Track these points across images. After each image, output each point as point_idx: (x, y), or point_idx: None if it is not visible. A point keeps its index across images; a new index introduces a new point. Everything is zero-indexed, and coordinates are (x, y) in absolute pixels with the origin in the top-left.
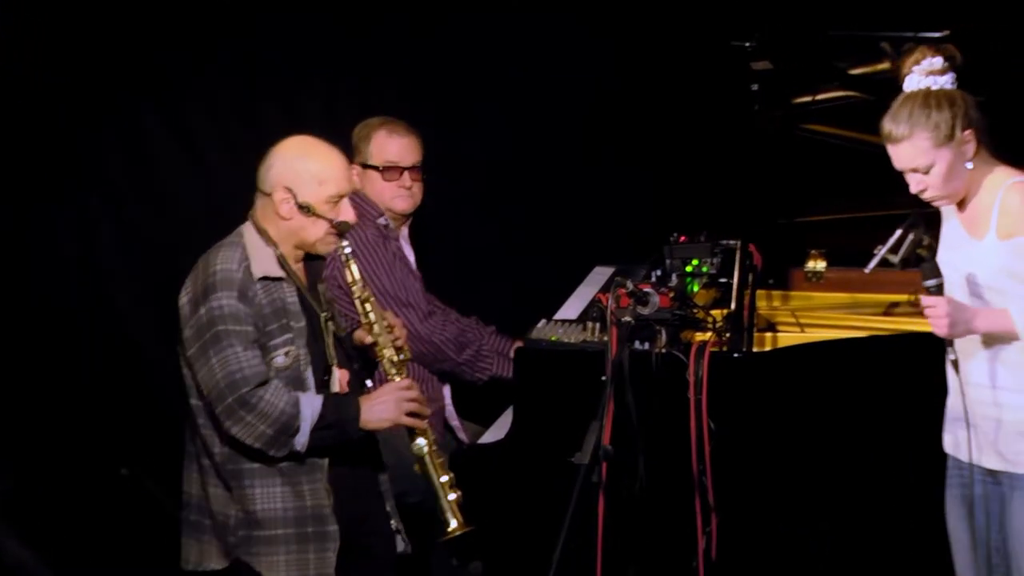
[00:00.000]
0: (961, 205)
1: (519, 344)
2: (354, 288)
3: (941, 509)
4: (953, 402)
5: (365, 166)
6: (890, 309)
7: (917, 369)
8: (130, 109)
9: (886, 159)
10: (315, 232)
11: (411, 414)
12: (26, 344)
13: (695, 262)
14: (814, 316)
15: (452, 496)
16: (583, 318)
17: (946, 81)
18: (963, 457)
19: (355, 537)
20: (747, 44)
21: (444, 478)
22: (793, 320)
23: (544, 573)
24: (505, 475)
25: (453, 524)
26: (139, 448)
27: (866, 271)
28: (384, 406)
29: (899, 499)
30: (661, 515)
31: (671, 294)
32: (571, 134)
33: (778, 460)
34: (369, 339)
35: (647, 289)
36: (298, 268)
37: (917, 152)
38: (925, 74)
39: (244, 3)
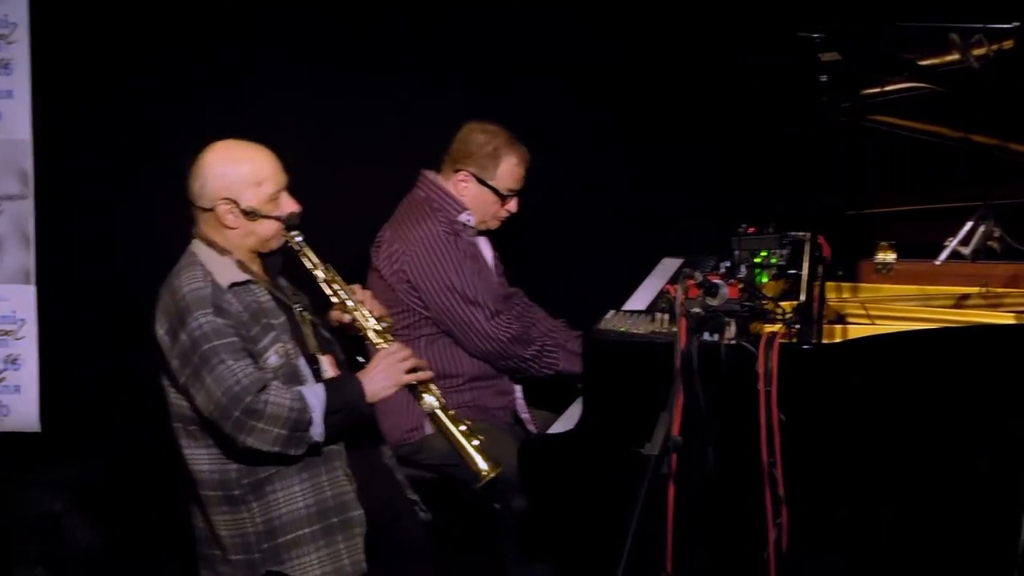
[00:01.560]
0: None
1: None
2: (316, 273)
3: (1013, 504)
4: None
5: (483, 182)
6: (960, 301)
7: (988, 362)
8: (197, 89)
9: (955, 151)
10: (265, 232)
11: (410, 372)
12: (111, 337)
13: (764, 253)
14: (884, 308)
15: (475, 442)
16: (651, 309)
17: None
18: None
19: (383, 517)
20: (815, 35)
21: (462, 427)
22: (863, 312)
23: (614, 564)
24: (574, 466)
25: (484, 468)
26: None
27: (937, 263)
28: (383, 374)
29: (969, 493)
30: (731, 506)
31: (740, 285)
32: (640, 125)
33: (847, 452)
34: (347, 317)
35: (716, 280)
36: (257, 268)
37: None
38: None
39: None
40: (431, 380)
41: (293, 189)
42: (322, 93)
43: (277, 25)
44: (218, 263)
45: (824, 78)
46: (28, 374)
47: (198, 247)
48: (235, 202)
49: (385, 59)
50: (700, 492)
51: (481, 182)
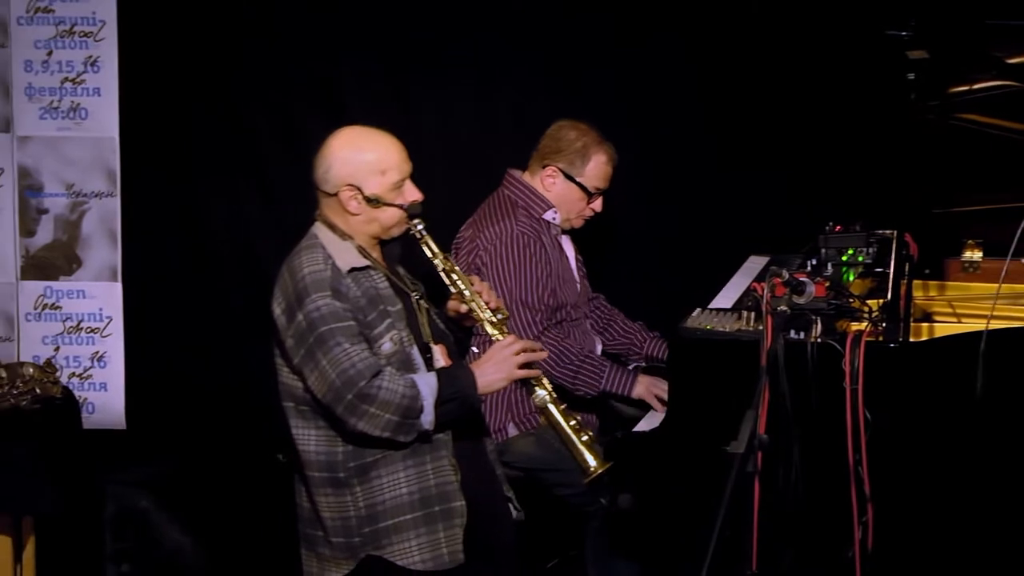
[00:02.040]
0: None
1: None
2: (436, 262)
3: None
4: None
5: (571, 178)
6: None
7: None
8: (282, 87)
9: None
10: (387, 219)
11: (523, 367)
12: (196, 335)
13: (850, 251)
14: (971, 306)
15: (584, 438)
16: (738, 307)
17: None
18: None
19: (479, 510)
20: (903, 33)
21: (572, 422)
22: (950, 310)
23: (698, 563)
24: (660, 463)
25: (592, 464)
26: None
27: None
28: (495, 366)
29: None
30: (816, 505)
31: (827, 283)
32: (727, 122)
33: (934, 451)
34: (464, 307)
35: (803, 278)
36: (377, 255)
37: None
38: None
39: None
40: (543, 374)
41: None
42: (406, 92)
43: (362, 23)
44: (339, 247)
45: (912, 76)
46: (114, 372)
47: (320, 230)
48: (359, 189)
49: (470, 59)
50: (785, 491)
51: (569, 178)
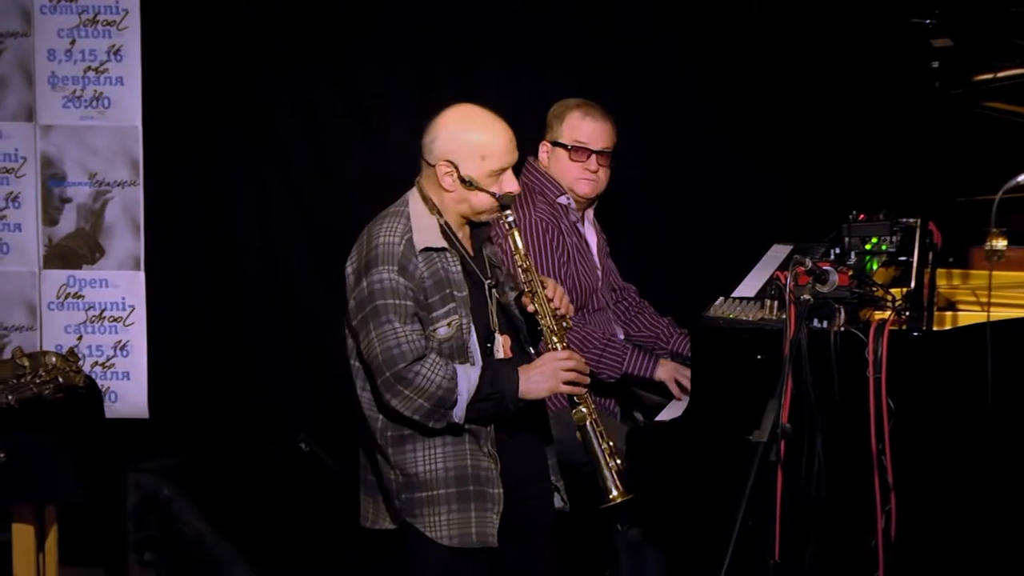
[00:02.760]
0: None
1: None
2: (516, 257)
3: None
4: None
5: (555, 144)
6: None
7: None
8: (305, 78)
9: None
10: (478, 204)
11: (569, 383)
12: (218, 324)
13: (874, 240)
14: (995, 295)
15: (613, 464)
16: (761, 296)
17: None
18: None
19: (517, 501)
20: (928, 21)
21: (604, 446)
22: (973, 299)
23: (721, 552)
24: (682, 453)
25: (614, 492)
26: (320, 421)
27: None
28: (541, 376)
29: None
30: (839, 494)
31: (850, 272)
32: (751, 110)
33: (957, 440)
34: (531, 307)
35: (826, 267)
36: (463, 235)
37: None
38: None
39: None
40: (587, 393)
41: (399, 179)
42: (430, 81)
43: (385, 11)
44: (424, 221)
45: (936, 64)
46: (137, 361)
47: (413, 197)
48: (456, 167)
49: (496, 47)
50: (808, 480)
51: (554, 145)
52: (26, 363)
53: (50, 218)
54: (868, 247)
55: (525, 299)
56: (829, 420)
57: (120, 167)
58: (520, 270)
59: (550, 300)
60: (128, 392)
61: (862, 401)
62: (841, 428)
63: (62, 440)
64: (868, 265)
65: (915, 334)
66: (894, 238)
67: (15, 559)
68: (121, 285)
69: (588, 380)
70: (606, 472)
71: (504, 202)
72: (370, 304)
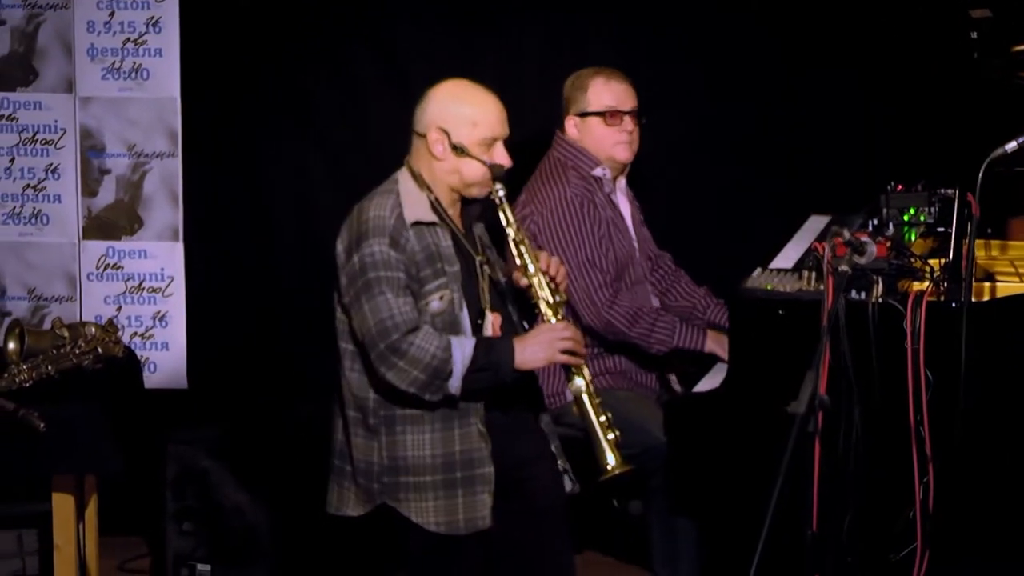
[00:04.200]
0: None
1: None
2: (508, 230)
3: None
4: None
5: (583, 115)
6: None
7: None
8: (343, 46)
9: None
10: (469, 174)
11: (566, 353)
12: (257, 295)
13: (912, 211)
14: None
15: (611, 436)
16: (799, 267)
17: None
18: None
19: (514, 480)
20: None
21: (602, 418)
22: (1011, 270)
23: (758, 523)
24: (719, 424)
25: (612, 463)
26: None
27: None
28: (538, 346)
29: None
30: (877, 465)
31: (888, 243)
32: (786, 81)
33: (995, 412)
34: (524, 281)
35: (864, 238)
36: (454, 212)
37: None
38: None
39: None
40: (584, 364)
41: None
42: (470, 46)
43: None
44: (413, 197)
45: (974, 35)
46: (176, 331)
47: (403, 176)
48: (447, 134)
49: (534, 11)
50: (846, 451)
51: (582, 115)
52: (66, 334)
53: (89, 189)
54: (906, 218)
55: (517, 274)
56: (867, 391)
57: (159, 138)
58: (514, 244)
59: (545, 272)
60: (167, 363)
61: (900, 372)
62: (879, 399)
63: (101, 410)
64: (906, 236)
65: (953, 305)
66: (932, 209)
67: (55, 528)
68: (160, 256)
69: (584, 351)
70: (604, 444)
71: (496, 173)
72: (362, 277)
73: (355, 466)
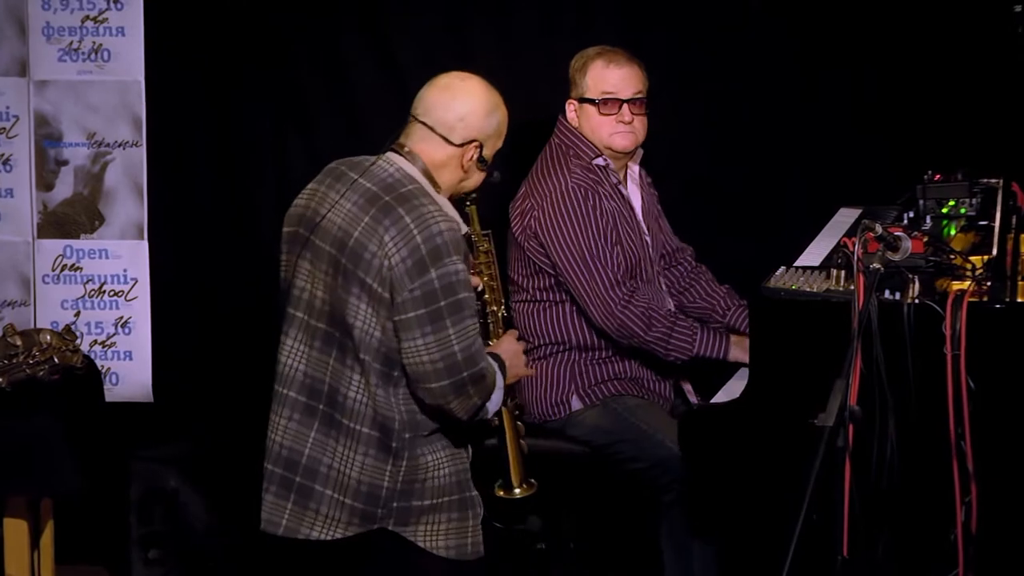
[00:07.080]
0: None
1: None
2: (473, 237)
3: None
4: None
5: (582, 100)
6: None
7: None
8: (327, 24)
9: None
10: (472, 184)
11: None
12: (228, 299)
13: (951, 203)
14: None
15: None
16: (826, 265)
17: None
18: None
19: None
20: None
21: (521, 440)
22: None
23: (782, 546)
24: (740, 438)
25: (519, 489)
26: None
27: None
28: (520, 360)
29: None
30: (914, 483)
31: (925, 238)
32: (814, 65)
33: None
34: (480, 286)
35: (898, 233)
36: None
37: None
38: None
39: None
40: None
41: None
42: (460, 24)
43: None
44: (448, 207)
45: (1019, 8)
46: (140, 339)
47: (418, 175)
48: (480, 147)
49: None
50: (880, 468)
51: (581, 102)
52: (19, 342)
53: (45, 182)
54: (945, 210)
55: (475, 278)
56: (902, 402)
57: (121, 126)
58: (479, 250)
59: (496, 288)
60: (130, 373)
61: (939, 380)
62: (916, 411)
63: (58, 426)
64: (945, 230)
65: (997, 306)
66: (973, 200)
67: (7, 557)
68: (123, 256)
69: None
70: (519, 464)
71: (491, 181)
72: (448, 298)
73: (345, 486)
